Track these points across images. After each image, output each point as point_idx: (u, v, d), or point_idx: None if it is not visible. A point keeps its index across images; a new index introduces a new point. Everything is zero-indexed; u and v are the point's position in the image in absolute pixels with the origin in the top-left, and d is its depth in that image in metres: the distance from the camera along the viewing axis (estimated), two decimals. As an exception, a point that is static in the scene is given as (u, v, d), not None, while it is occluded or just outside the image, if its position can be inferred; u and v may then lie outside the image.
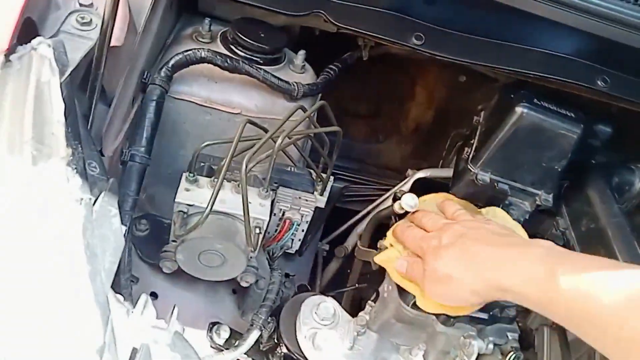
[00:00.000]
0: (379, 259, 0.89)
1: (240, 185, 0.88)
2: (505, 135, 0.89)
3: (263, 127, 0.94)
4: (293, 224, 0.97)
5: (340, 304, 1.07)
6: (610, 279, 0.59)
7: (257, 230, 0.87)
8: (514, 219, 0.95)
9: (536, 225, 1.01)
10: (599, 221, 0.88)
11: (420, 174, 1.39)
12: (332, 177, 1.16)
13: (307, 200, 0.98)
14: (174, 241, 0.87)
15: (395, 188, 1.43)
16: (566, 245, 0.94)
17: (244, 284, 0.94)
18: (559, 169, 0.92)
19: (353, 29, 1.02)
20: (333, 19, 1.01)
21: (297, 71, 1.07)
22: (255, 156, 0.84)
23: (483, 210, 0.93)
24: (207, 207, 0.78)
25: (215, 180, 0.88)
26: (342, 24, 1.01)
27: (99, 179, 0.60)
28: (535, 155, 0.91)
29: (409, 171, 1.44)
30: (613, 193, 0.92)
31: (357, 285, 1.27)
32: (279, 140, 0.84)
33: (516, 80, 1.06)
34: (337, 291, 1.17)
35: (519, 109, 0.87)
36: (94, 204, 0.53)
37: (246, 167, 0.78)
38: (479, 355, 0.94)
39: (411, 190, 1.34)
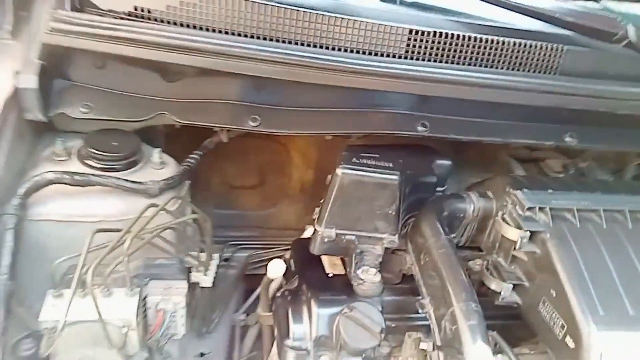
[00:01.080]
0: None
1: (106, 290, 0.96)
2: (335, 196, 1.00)
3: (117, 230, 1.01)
4: (167, 314, 1.03)
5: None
6: None
7: (125, 330, 0.92)
8: (368, 265, 1.05)
9: (394, 265, 1.11)
10: (432, 254, 0.98)
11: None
12: (216, 256, 1.24)
13: (177, 288, 1.04)
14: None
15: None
16: (414, 279, 1.03)
17: (131, 384, 0.99)
18: (393, 213, 1.03)
19: (196, 124, 1.12)
20: (177, 118, 1.12)
21: (156, 168, 1.16)
22: (109, 260, 0.92)
23: None
24: (63, 319, 0.84)
25: (83, 290, 0.94)
26: (186, 121, 1.12)
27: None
28: (367, 206, 1.02)
29: (306, 227, 1.54)
30: (442, 225, 1.03)
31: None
32: (127, 243, 0.92)
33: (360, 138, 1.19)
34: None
35: (338, 171, 0.99)
36: None
37: (92, 276, 0.85)
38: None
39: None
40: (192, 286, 1.16)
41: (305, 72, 1.03)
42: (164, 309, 1.02)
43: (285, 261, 1.27)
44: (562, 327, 0.89)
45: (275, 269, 1.09)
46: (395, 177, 1.00)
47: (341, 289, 1.08)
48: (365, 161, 1.01)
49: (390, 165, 1.02)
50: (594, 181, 1.23)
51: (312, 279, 1.11)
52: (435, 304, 0.95)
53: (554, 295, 0.91)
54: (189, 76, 1.12)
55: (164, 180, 1.11)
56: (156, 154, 1.16)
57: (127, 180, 1.06)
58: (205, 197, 1.59)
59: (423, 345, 0.94)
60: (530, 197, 1.00)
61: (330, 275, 1.12)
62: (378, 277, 1.03)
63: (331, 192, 1.00)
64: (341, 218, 1.03)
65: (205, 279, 1.20)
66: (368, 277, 1.02)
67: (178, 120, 1.11)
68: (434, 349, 0.91)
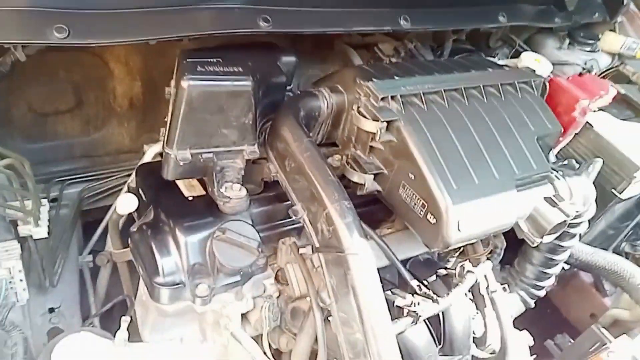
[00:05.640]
0: None
1: None
2: (184, 112, 0.88)
3: None
4: (2, 282, 0.85)
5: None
6: None
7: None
8: (231, 181, 0.98)
9: (255, 174, 1.06)
10: (297, 158, 0.94)
11: (156, 148, 1.34)
12: (45, 201, 1.05)
13: (7, 250, 0.86)
14: None
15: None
16: (281, 187, 1.00)
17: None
18: (250, 122, 0.95)
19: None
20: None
21: None
22: None
23: None
24: None
25: None
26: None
27: None
28: (221, 118, 0.92)
29: (145, 147, 1.38)
30: (302, 126, 0.99)
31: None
32: None
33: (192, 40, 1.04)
34: (98, 312, 1.10)
35: (184, 84, 0.86)
36: None
37: None
38: (244, 314, 1.00)
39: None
40: (23, 241, 0.98)
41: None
42: (-4, 278, 0.84)
43: (130, 191, 1.13)
44: (423, 206, 0.95)
45: (126, 204, 0.96)
46: (248, 83, 0.90)
47: (204, 210, 1.00)
48: (211, 68, 0.89)
49: (240, 69, 0.91)
50: (427, 62, 1.28)
51: (171, 206, 1.00)
52: (308, 208, 0.94)
53: (413, 178, 0.96)
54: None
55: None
56: None
57: None
58: (9, 130, 1.31)
59: (302, 250, 0.93)
60: (382, 87, 1.00)
61: (190, 198, 1.03)
62: (243, 192, 0.97)
63: (178, 108, 0.88)
64: (194, 136, 0.92)
65: (38, 230, 1.02)
66: (233, 194, 0.96)
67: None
68: (313, 252, 0.92)
